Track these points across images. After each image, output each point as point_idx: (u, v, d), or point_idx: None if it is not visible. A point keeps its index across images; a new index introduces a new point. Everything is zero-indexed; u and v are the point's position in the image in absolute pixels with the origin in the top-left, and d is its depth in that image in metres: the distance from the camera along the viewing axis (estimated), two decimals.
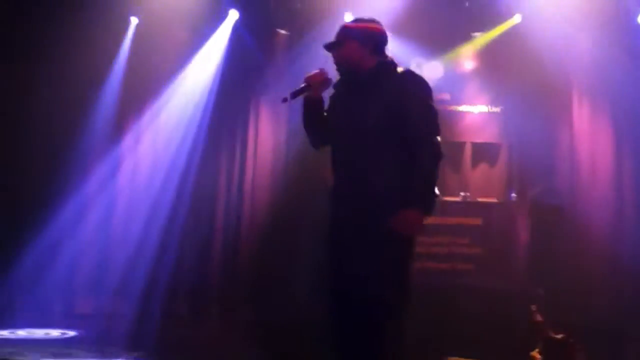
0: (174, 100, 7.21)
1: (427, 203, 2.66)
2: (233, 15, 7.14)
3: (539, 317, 4.58)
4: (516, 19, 6.93)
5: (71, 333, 5.51)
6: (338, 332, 2.73)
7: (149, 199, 6.94)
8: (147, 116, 7.17)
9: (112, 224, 6.93)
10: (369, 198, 2.71)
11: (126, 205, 7.01)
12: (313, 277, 2.92)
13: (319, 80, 2.90)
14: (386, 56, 2.93)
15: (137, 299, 6.61)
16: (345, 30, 2.93)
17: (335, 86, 2.97)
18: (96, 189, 6.95)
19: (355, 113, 2.80)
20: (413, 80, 2.82)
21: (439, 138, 2.74)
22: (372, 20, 2.96)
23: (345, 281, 2.70)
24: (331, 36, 2.99)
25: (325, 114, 2.98)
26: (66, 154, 6.68)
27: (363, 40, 2.87)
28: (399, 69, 2.87)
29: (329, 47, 2.94)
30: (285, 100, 2.93)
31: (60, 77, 6.54)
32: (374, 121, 2.73)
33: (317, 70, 2.93)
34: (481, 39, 7.11)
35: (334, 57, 2.92)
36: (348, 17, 6.97)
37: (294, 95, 2.93)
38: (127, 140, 7.10)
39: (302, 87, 2.92)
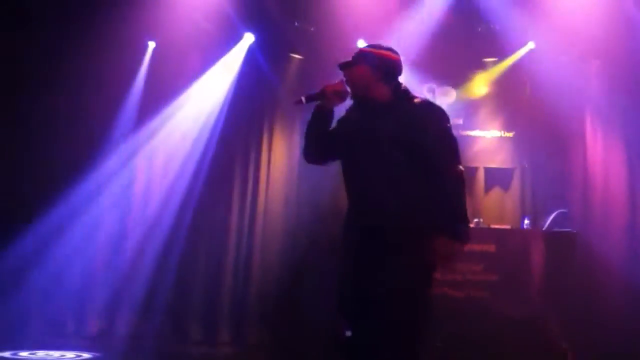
0: (186, 123, 7.26)
1: (461, 231, 2.69)
2: (248, 38, 7.20)
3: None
4: (529, 45, 6.96)
5: (85, 355, 5.50)
6: (360, 353, 2.72)
7: (162, 221, 6.96)
8: (160, 138, 7.22)
9: (125, 245, 6.93)
10: (389, 219, 2.72)
11: (139, 227, 7.00)
12: (334, 297, 2.90)
13: (338, 90, 2.95)
14: (400, 84, 2.96)
15: (149, 320, 6.63)
16: (360, 53, 3.00)
17: (349, 111, 3.01)
18: (109, 208, 6.98)
19: (371, 136, 2.82)
20: (432, 109, 2.87)
21: (461, 166, 2.79)
22: (389, 49, 3.00)
23: (368, 303, 2.70)
24: (343, 59, 3.02)
25: (331, 133, 3.00)
26: (82, 175, 6.73)
27: (375, 66, 2.92)
28: (416, 100, 2.90)
29: (341, 66, 3.00)
30: (299, 102, 2.98)
31: (79, 105, 6.65)
32: (390, 144, 2.76)
33: (337, 81, 2.97)
34: (496, 67, 7.13)
35: (345, 77, 2.98)
36: (361, 44, 7.05)
37: (309, 99, 2.97)
38: (141, 162, 7.13)
39: (318, 94, 2.96)
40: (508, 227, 6.24)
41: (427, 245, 2.67)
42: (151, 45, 7.14)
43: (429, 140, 2.75)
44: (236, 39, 7.20)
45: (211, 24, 7.01)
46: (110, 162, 6.94)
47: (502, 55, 7.16)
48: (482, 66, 7.32)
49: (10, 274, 6.27)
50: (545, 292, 5.54)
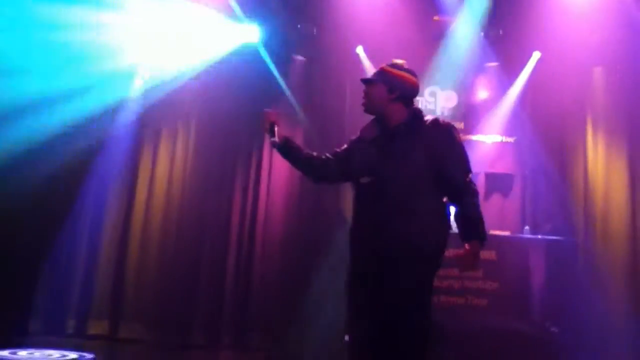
0: (187, 123, 7.26)
1: (484, 236, 2.91)
2: (251, 39, 7.16)
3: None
4: (536, 56, 6.95)
5: (88, 356, 5.49)
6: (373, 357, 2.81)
7: (163, 224, 6.96)
8: (163, 138, 7.20)
9: (127, 248, 6.92)
10: (410, 250, 2.82)
11: (141, 230, 7.00)
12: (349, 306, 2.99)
13: (274, 120, 3.12)
14: (413, 104, 3.07)
15: (151, 324, 6.63)
16: (380, 73, 3.10)
17: (366, 132, 3.10)
18: (111, 210, 6.98)
19: (396, 160, 2.91)
20: (445, 127, 3.00)
21: (471, 174, 2.96)
22: (409, 71, 3.09)
23: (384, 311, 2.82)
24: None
25: (348, 153, 3.13)
26: (82, 174, 6.72)
27: (392, 86, 3.03)
28: (427, 117, 3.02)
29: (363, 81, 3.13)
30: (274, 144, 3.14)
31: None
32: (415, 168, 2.88)
33: (269, 111, 3.18)
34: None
35: (364, 92, 3.10)
36: (360, 51, 7.04)
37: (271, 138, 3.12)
38: (144, 160, 7.13)
39: (269, 129, 3.12)
40: (508, 233, 6.22)
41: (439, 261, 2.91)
42: None
43: (446, 155, 2.91)
44: (239, 38, 7.15)
45: (214, 22, 6.99)
46: (112, 163, 6.95)
47: (505, 61, 7.13)
48: (485, 71, 7.30)
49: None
50: (545, 301, 5.52)
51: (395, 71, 3.07)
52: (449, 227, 2.96)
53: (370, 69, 6.76)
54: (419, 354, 2.78)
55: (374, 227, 2.89)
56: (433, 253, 2.87)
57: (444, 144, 2.92)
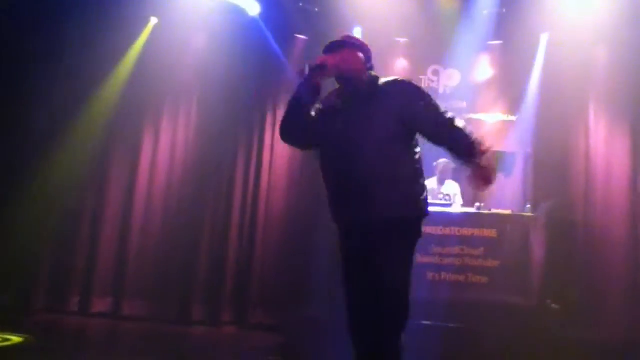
0: (189, 101, 7.26)
1: (481, 152, 2.79)
2: (252, 18, 7.13)
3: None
4: (545, 37, 6.93)
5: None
6: (361, 326, 2.79)
7: (165, 202, 7.00)
8: (165, 116, 7.22)
9: (130, 225, 6.96)
10: (387, 211, 2.77)
11: (144, 205, 7.03)
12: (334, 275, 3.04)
13: (337, 65, 2.89)
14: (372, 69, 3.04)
15: (152, 301, 6.69)
16: (352, 39, 3.06)
17: (331, 98, 2.98)
18: (114, 187, 7.01)
19: (362, 124, 2.83)
20: (403, 82, 2.94)
21: (450, 113, 2.87)
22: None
23: (370, 280, 2.76)
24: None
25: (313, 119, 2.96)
26: (81, 151, 6.75)
27: (364, 52, 3.00)
28: (384, 80, 2.94)
29: (333, 47, 2.95)
30: (302, 72, 2.89)
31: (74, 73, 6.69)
32: (384, 133, 2.81)
33: (333, 56, 2.92)
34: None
35: (336, 58, 2.90)
36: (357, 32, 7.01)
37: (311, 70, 2.87)
38: (146, 139, 7.15)
39: (319, 65, 2.87)
40: (509, 212, 6.22)
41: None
42: (153, 20, 7.10)
43: (420, 110, 2.85)
44: (240, 18, 7.12)
45: (214, 2, 6.96)
46: (112, 139, 6.99)
47: (507, 38, 7.09)
48: (487, 49, 7.27)
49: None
50: (545, 279, 5.55)
51: (361, 40, 3.07)
52: (424, 195, 2.88)
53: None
54: (399, 326, 2.76)
55: (349, 197, 2.83)
56: (409, 222, 2.82)
57: (409, 97, 2.86)
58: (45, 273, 6.72)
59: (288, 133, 3.00)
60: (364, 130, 2.81)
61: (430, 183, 6.78)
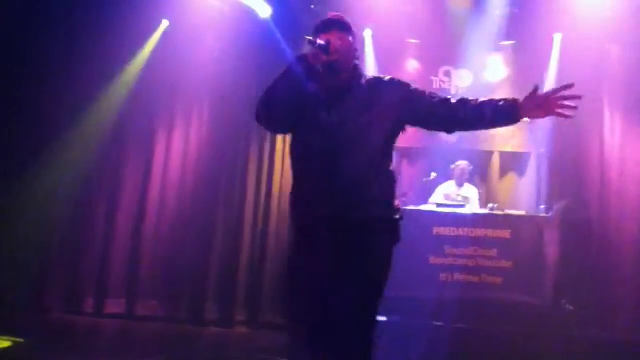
0: (201, 103, 7.29)
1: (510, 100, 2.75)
2: (264, 20, 7.13)
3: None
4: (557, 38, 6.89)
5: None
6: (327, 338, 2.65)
7: (178, 203, 7.02)
8: (177, 118, 7.24)
9: (142, 227, 6.99)
10: (373, 209, 2.64)
11: (157, 207, 7.06)
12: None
13: (342, 47, 2.65)
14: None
15: (165, 301, 6.72)
16: (347, 24, 2.76)
17: (314, 88, 2.71)
18: (127, 189, 7.05)
19: (360, 124, 2.66)
20: (396, 80, 2.79)
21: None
22: None
23: (352, 280, 2.62)
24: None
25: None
26: (93, 152, 6.81)
27: (354, 37, 2.77)
28: (368, 78, 2.79)
29: (329, 25, 2.71)
30: (313, 42, 2.63)
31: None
32: (382, 132, 2.68)
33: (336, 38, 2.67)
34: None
35: (331, 41, 2.64)
36: (368, 34, 6.98)
37: (317, 46, 2.63)
38: (159, 141, 7.18)
39: (324, 45, 2.62)
40: (523, 213, 6.19)
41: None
42: (165, 23, 7.13)
43: (422, 96, 2.74)
44: (251, 22, 7.14)
45: (225, 5, 6.99)
46: (125, 143, 7.03)
47: (520, 39, 7.06)
48: (500, 49, 7.24)
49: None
50: (560, 280, 5.51)
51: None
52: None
53: (376, 53, 6.72)
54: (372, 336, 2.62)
55: (334, 195, 2.64)
56: (395, 222, 2.69)
57: (404, 90, 2.73)
58: (59, 274, 6.75)
59: (271, 110, 2.74)
60: (362, 130, 2.64)
61: (448, 186, 6.78)
